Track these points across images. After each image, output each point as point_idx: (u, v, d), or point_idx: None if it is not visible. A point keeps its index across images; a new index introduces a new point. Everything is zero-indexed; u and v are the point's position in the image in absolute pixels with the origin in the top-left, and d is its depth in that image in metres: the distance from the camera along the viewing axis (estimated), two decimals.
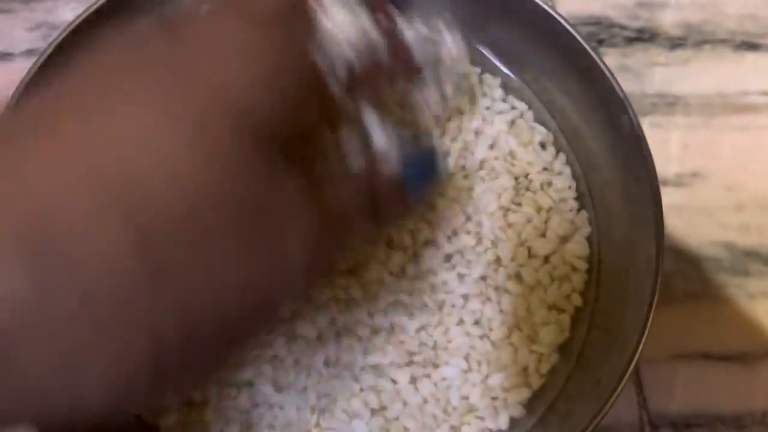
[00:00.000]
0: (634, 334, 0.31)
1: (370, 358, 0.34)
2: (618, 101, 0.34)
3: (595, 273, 0.37)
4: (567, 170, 0.39)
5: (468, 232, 0.36)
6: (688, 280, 0.42)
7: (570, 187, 0.38)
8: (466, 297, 0.35)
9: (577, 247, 0.37)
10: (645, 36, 0.50)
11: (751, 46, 0.49)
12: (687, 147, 0.46)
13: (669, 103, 0.48)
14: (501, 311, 0.35)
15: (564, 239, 0.37)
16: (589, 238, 0.38)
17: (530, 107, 0.40)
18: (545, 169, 0.39)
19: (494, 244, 0.36)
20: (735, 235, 0.44)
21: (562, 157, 0.39)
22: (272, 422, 0.33)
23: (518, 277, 0.36)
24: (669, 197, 0.44)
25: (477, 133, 0.38)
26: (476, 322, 0.35)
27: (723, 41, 0.50)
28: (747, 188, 0.45)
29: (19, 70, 0.34)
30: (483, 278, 0.36)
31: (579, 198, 0.39)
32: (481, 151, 0.38)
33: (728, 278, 0.43)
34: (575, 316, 0.36)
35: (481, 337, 0.35)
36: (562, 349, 0.35)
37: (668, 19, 0.50)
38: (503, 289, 0.36)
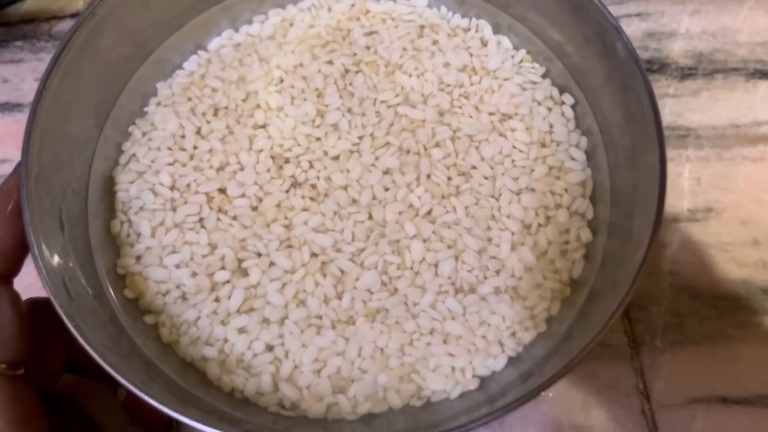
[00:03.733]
0: (644, 239, 0.31)
1: None
2: (611, 30, 0.35)
3: (606, 194, 0.38)
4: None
5: None
6: (704, 320, 0.41)
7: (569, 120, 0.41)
8: None
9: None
10: (654, 67, 0.49)
11: (765, 75, 0.48)
12: (700, 181, 0.45)
13: (680, 136, 0.47)
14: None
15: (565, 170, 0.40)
16: (597, 165, 0.39)
17: (528, 50, 0.43)
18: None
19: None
20: (752, 272, 0.42)
21: (568, 97, 0.41)
22: None
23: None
24: (682, 233, 0.44)
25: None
26: None
27: (735, 70, 0.49)
28: (763, 222, 0.44)
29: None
30: None
31: (586, 129, 0.41)
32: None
33: (746, 317, 0.41)
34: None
35: None
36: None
37: (678, 49, 0.49)
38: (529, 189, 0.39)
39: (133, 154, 0.40)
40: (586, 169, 0.40)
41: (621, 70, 0.36)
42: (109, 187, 0.39)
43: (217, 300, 0.37)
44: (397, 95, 0.41)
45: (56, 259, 0.32)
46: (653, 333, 0.41)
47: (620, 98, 0.37)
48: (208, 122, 0.41)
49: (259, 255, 0.38)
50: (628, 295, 0.31)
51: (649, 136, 0.34)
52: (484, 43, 0.43)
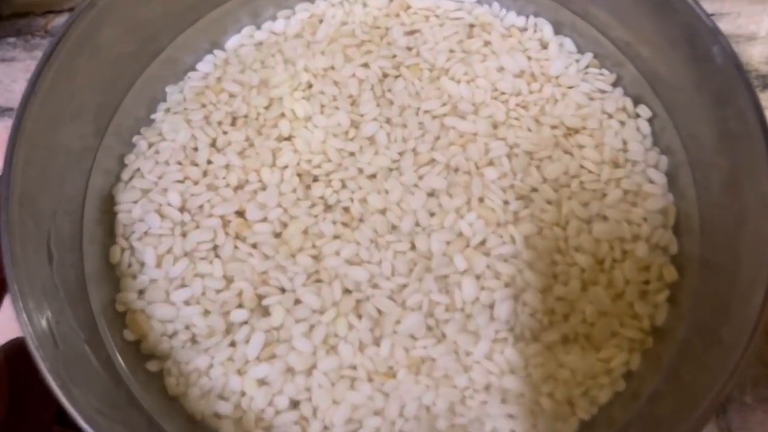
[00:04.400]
0: (759, 283, 0.26)
1: None
2: (706, 31, 0.30)
3: (695, 224, 0.32)
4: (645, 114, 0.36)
5: None
6: None
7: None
8: None
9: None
10: None
11: None
12: None
13: None
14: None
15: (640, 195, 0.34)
16: (680, 190, 0.34)
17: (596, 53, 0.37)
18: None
19: None
20: None
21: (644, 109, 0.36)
22: None
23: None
24: None
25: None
26: None
27: None
28: None
29: None
30: None
31: (665, 147, 0.35)
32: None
33: None
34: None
35: None
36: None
37: (758, 55, 0.44)
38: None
39: (138, 169, 0.35)
40: (668, 195, 0.34)
41: (716, 79, 0.30)
42: (108, 208, 0.34)
43: (233, 344, 0.31)
44: (443, 104, 0.35)
45: (41, 299, 0.27)
46: (742, 387, 0.35)
47: (714, 112, 0.31)
48: (224, 133, 0.35)
49: (283, 291, 0.32)
50: (743, 357, 0.25)
51: (757, 158, 0.28)
52: (544, 45, 0.37)
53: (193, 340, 0.31)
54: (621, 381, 0.31)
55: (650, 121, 0.35)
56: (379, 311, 0.32)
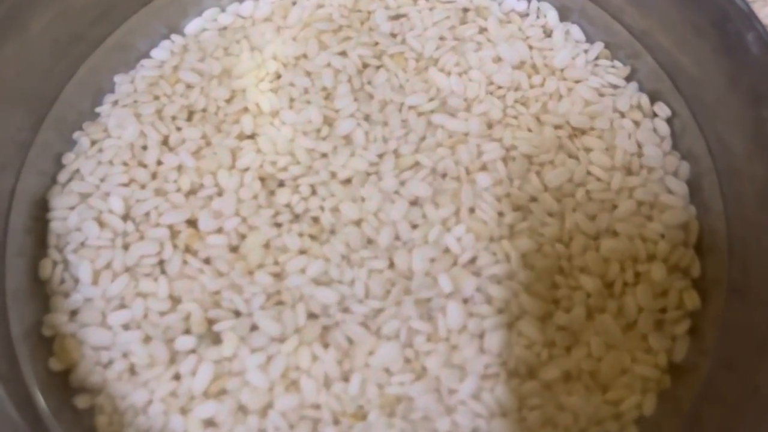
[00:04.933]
0: None
1: None
2: (739, 16, 0.26)
3: (722, 243, 0.28)
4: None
5: None
6: None
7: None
8: None
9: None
10: None
11: None
12: None
13: None
14: None
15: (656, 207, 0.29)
16: (705, 203, 0.29)
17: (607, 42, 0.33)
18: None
19: None
20: None
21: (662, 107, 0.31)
22: None
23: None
24: None
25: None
26: None
27: None
28: None
29: None
30: None
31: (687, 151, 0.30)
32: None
33: None
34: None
35: None
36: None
37: None
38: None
39: (77, 170, 0.30)
40: (689, 207, 0.29)
41: (751, 73, 0.26)
42: (40, 215, 0.29)
43: (176, 377, 0.27)
44: (430, 99, 0.31)
45: None
46: None
47: (749, 111, 0.26)
48: (178, 129, 0.31)
49: (238, 314, 0.27)
50: None
51: None
52: (548, 33, 0.33)
53: (131, 370, 0.27)
54: (632, 428, 0.26)
55: (669, 121, 0.31)
56: (350, 340, 0.27)
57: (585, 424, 0.26)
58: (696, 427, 0.25)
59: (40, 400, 0.26)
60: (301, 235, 0.29)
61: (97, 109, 0.32)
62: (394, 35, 0.33)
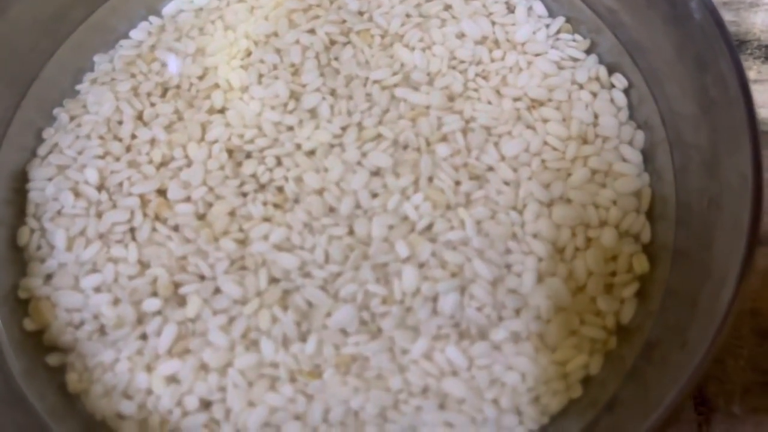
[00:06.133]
0: (730, 276, 0.22)
1: None
2: None
3: (671, 210, 0.28)
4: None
5: None
6: None
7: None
8: None
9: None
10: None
11: None
12: None
13: (765, 132, 0.36)
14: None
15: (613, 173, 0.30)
16: (657, 171, 0.30)
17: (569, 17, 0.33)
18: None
19: None
20: None
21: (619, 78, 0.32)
22: None
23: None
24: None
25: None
26: None
27: None
28: None
29: None
30: None
31: (643, 121, 0.31)
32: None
33: None
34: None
35: None
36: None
37: (761, 23, 0.39)
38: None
39: (56, 144, 0.32)
40: (643, 175, 0.30)
41: (696, 41, 0.26)
42: (20, 187, 0.31)
43: (143, 337, 0.28)
44: (394, 74, 0.32)
45: None
46: (729, 395, 0.31)
47: (695, 79, 0.27)
48: (152, 105, 0.32)
49: (202, 278, 0.29)
50: (707, 357, 0.21)
51: (738, 131, 0.24)
52: (511, 9, 0.34)
53: (101, 331, 0.28)
54: (578, 387, 0.27)
55: (627, 92, 0.31)
56: (309, 303, 0.28)
57: (532, 384, 0.27)
58: (635, 385, 0.25)
59: (13, 359, 0.27)
60: (265, 203, 0.30)
61: (77, 87, 0.33)
62: (361, 13, 0.34)
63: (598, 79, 0.31)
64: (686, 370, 0.21)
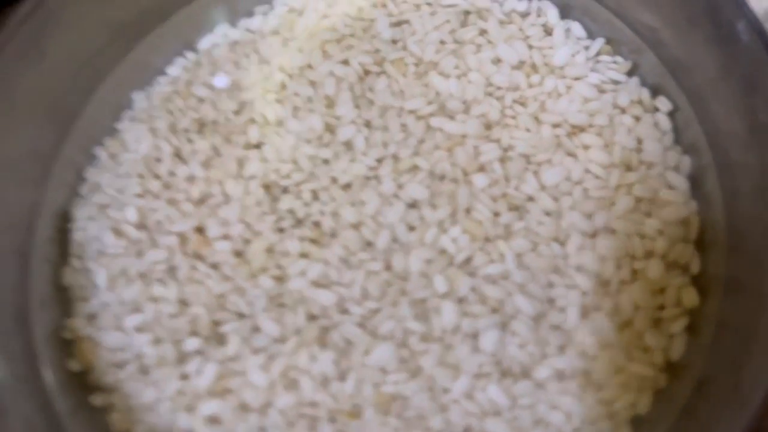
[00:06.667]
0: None
1: None
2: (730, 5, 0.26)
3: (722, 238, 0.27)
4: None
5: None
6: None
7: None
8: None
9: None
10: None
11: None
12: None
13: None
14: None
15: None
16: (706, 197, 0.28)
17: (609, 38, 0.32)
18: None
19: None
20: None
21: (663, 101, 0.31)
22: None
23: None
24: None
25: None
26: None
27: None
28: None
29: None
30: None
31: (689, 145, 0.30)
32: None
33: None
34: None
35: None
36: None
37: None
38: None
39: (97, 183, 0.32)
40: (690, 202, 0.28)
41: (743, 62, 0.25)
42: (64, 226, 0.31)
43: (184, 377, 0.28)
44: (429, 103, 0.31)
45: None
46: None
47: (742, 100, 0.26)
48: (189, 141, 0.32)
49: (241, 317, 0.29)
50: (766, 393, 0.20)
51: None
52: (548, 31, 0.33)
53: (143, 370, 0.29)
54: (626, 427, 0.26)
55: (671, 115, 0.30)
56: (347, 340, 0.28)
57: (578, 424, 0.26)
58: (691, 423, 0.24)
59: (58, 401, 0.28)
60: (302, 239, 0.30)
61: (116, 125, 0.34)
62: (395, 41, 0.33)
63: (640, 102, 0.30)
64: (744, 409, 0.20)
